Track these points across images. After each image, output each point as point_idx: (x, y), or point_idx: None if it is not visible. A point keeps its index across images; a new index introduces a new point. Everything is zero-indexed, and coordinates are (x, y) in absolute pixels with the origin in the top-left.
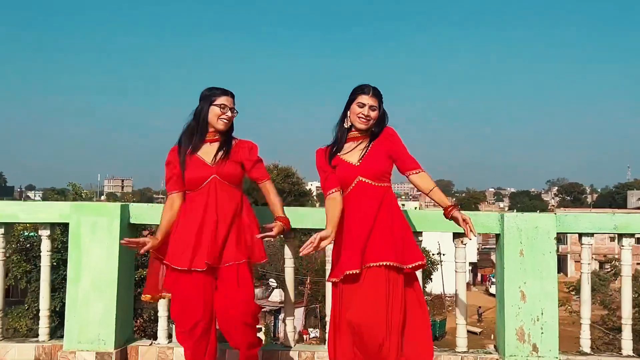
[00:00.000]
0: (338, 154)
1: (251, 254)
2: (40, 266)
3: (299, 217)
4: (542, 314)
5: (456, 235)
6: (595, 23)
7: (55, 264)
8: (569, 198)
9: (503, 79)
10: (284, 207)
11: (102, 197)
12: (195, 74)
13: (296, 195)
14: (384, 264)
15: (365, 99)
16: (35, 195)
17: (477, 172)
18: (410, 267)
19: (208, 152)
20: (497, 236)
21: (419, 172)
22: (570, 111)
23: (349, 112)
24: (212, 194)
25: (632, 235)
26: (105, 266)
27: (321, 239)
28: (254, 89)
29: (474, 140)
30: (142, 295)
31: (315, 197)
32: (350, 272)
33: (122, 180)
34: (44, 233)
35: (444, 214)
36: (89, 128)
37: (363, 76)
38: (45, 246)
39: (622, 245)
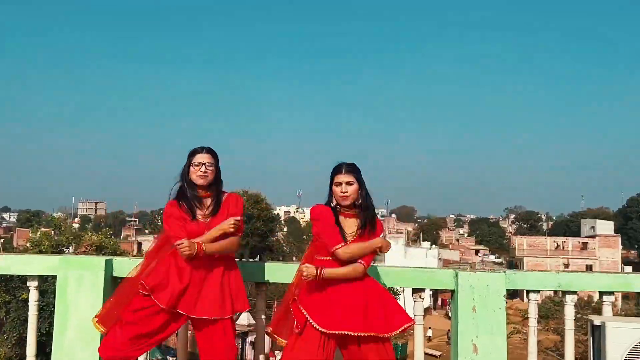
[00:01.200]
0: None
1: (236, 306)
2: (19, 297)
3: (271, 271)
4: None
5: (415, 291)
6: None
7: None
8: (525, 225)
9: (464, 108)
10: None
11: (76, 219)
12: (165, 100)
13: (265, 220)
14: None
15: (340, 177)
16: (10, 217)
17: (438, 199)
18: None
19: (203, 205)
20: (452, 292)
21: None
22: (527, 142)
23: (332, 193)
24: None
25: (574, 292)
26: (90, 317)
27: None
28: (221, 116)
29: (436, 167)
30: (96, 324)
31: (283, 222)
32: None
33: (96, 203)
34: (32, 284)
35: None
36: (61, 151)
37: (326, 102)
38: (33, 296)
39: (566, 301)
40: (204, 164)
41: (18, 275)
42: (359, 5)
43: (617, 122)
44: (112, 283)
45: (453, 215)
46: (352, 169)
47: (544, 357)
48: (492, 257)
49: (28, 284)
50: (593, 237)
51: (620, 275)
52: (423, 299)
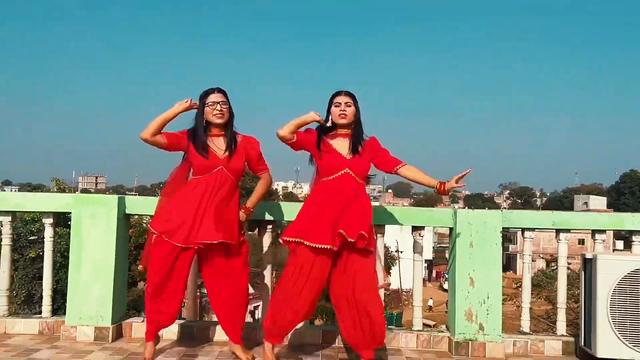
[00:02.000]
0: (327, 139)
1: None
2: (26, 255)
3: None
4: (487, 297)
5: (414, 229)
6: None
7: (41, 253)
8: (519, 201)
9: (460, 86)
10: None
11: (76, 193)
12: (166, 73)
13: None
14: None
15: (339, 98)
16: (11, 190)
17: (433, 175)
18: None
19: (217, 145)
20: (451, 230)
21: (403, 165)
22: (522, 119)
23: (330, 115)
24: (216, 183)
25: (568, 230)
26: (103, 251)
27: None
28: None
29: (431, 144)
30: (140, 266)
31: (281, 197)
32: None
33: (96, 177)
34: (47, 221)
35: (438, 191)
36: (62, 125)
37: (325, 79)
38: (49, 233)
39: (559, 239)
40: (219, 102)
41: (25, 235)
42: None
43: (610, 101)
44: (125, 220)
45: (464, 184)
46: (351, 94)
47: (536, 323)
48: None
49: (43, 220)
50: (586, 212)
51: (614, 214)
52: (422, 236)
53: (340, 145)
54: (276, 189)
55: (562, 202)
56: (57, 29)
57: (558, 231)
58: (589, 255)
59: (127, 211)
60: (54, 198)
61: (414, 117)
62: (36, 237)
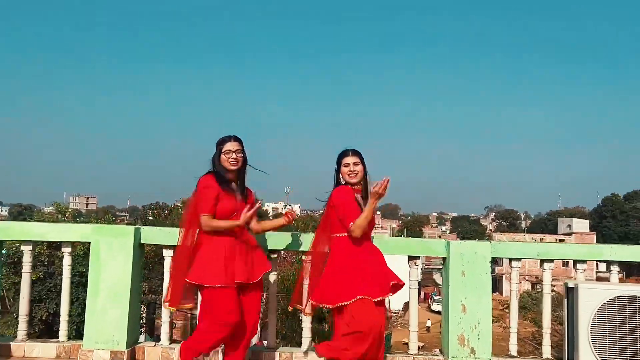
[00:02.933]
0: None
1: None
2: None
3: (282, 240)
4: (478, 323)
5: (410, 258)
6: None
7: (41, 276)
8: (505, 223)
9: (446, 110)
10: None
11: (67, 214)
12: (152, 96)
13: None
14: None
15: (348, 159)
16: (2, 210)
17: (422, 198)
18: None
19: (234, 189)
20: (444, 259)
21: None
22: (506, 142)
23: (340, 176)
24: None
25: (551, 260)
26: (120, 279)
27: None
28: (210, 114)
29: (419, 167)
30: (166, 306)
31: (271, 219)
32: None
33: (87, 198)
34: (66, 250)
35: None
36: (54, 145)
37: (314, 100)
38: (67, 262)
39: (544, 269)
40: (234, 151)
41: None
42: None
43: (593, 125)
44: (140, 249)
45: (435, 213)
46: (357, 153)
47: (522, 344)
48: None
49: (63, 249)
50: (569, 234)
51: (593, 245)
52: (418, 265)
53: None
54: (266, 209)
55: (546, 224)
56: (46, 49)
57: (542, 261)
58: (571, 284)
59: (142, 241)
60: (74, 229)
61: (398, 138)
62: (36, 261)
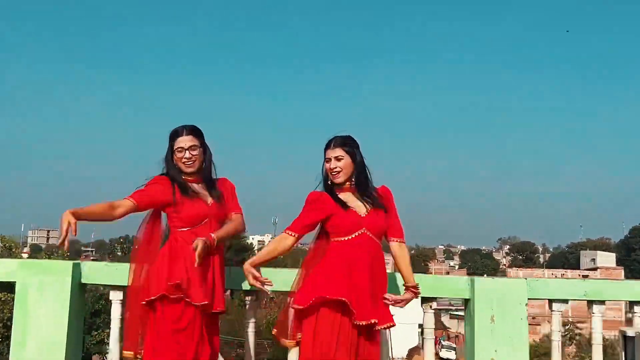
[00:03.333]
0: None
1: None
2: None
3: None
4: None
5: (424, 300)
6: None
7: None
8: (520, 257)
9: (453, 133)
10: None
11: (25, 249)
12: (129, 115)
13: (237, 250)
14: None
15: (328, 153)
16: None
17: (426, 229)
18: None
19: (200, 191)
20: (467, 301)
21: (401, 242)
22: (519, 169)
23: (326, 171)
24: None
25: (602, 302)
26: (53, 329)
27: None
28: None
29: (423, 196)
30: (124, 352)
31: (256, 252)
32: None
33: (48, 231)
34: None
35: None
36: (11, 176)
37: (302, 126)
38: None
39: (593, 312)
40: (187, 148)
41: None
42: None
43: (616, 148)
44: (80, 290)
45: (442, 246)
46: (342, 142)
47: None
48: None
49: None
50: (594, 269)
51: None
52: (433, 310)
53: (351, 200)
54: (251, 243)
55: (567, 258)
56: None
57: (590, 302)
58: (630, 333)
59: (83, 280)
60: None
61: (399, 163)
62: None
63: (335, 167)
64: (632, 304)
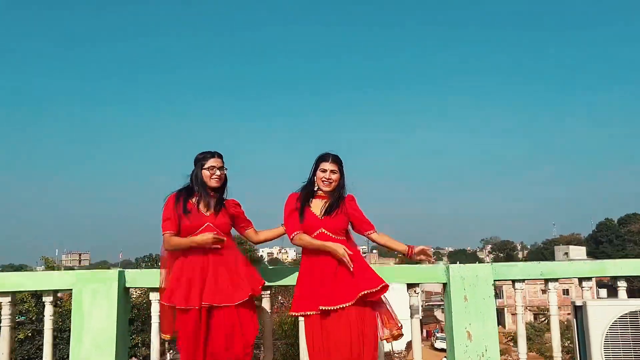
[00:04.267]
0: (308, 205)
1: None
2: (15, 337)
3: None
4: (485, 350)
5: (409, 286)
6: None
7: (30, 334)
8: (502, 255)
9: (437, 141)
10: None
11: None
12: (144, 144)
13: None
14: (348, 304)
15: (326, 165)
16: None
17: (416, 232)
18: (376, 290)
19: (204, 205)
20: (445, 285)
21: (374, 231)
22: (497, 172)
23: (315, 177)
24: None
25: (556, 279)
26: (104, 327)
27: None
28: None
29: (413, 200)
30: (162, 335)
31: (266, 263)
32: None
33: (80, 254)
34: (47, 299)
35: (407, 255)
36: (43, 201)
37: (301, 138)
38: (48, 312)
39: (549, 289)
40: (218, 167)
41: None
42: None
43: (580, 151)
44: (125, 294)
45: (432, 249)
46: (338, 160)
47: None
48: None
49: (44, 299)
50: (570, 261)
51: (597, 262)
52: (418, 293)
53: (316, 205)
54: (261, 255)
55: (543, 253)
56: (36, 99)
57: (547, 281)
58: (579, 303)
59: (127, 285)
60: (55, 276)
61: (392, 177)
62: (25, 318)
63: (330, 178)
64: (580, 280)
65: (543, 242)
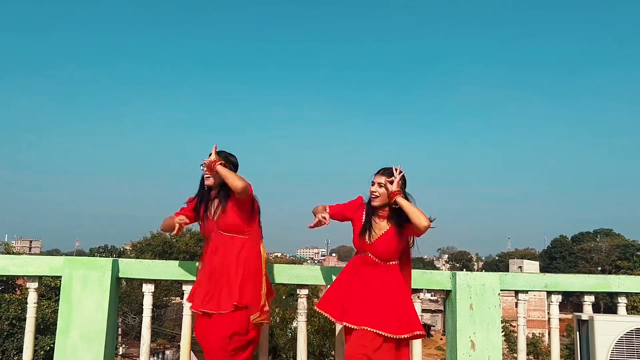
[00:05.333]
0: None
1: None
2: None
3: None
4: None
5: (413, 291)
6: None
7: None
8: (458, 265)
9: (394, 150)
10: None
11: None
12: (114, 131)
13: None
14: (372, 330)
15: (375, 178)
16: None
17: None
18: (406, 336)
19: (212, 206)
20: (448, 292)
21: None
22: (456, 187)
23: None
24: (213, 246)
25: (559, 292)
26: (95, 318)
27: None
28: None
29: None
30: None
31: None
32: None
33: (30, 241)
34: (32, 286)
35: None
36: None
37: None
38: (32, 298)
39: (551, 301)
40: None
41: None
42: None
43: (538, 166)
44: (117, 284)
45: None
46: (387, 173)
47: None
48: (428, 295)
49: (27, 285)
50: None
51: (601, 276)
52: (421, 299)
53: (379, 227)
54: (305, 259)
55: (497, 266)
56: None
57: (549, 293)
58: (584, 317)
59: (121, 275)
60: (43, 261)
61: (345, 178)
62: None
63: (375, 192)
64: (583, 293)
65: (498, 254)
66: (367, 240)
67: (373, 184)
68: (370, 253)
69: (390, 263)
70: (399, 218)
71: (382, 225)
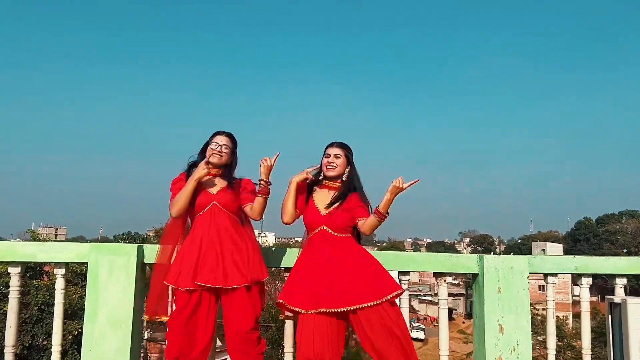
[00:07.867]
0: (312, 195)
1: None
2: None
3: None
4: (517, 344)
5: (437, 275)
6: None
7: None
8: (480, 248)
9: (418, 140)
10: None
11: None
12: (131, 121)
13: None
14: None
15: (330, 150)
16: None
17: (396, 223)
18: (388, 298)
19: (210, 182)
20: (475, 276)
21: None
22: (478, 168)
23: (321, 165)
24: (212, 219)
25: (589, 275)
26: (121, 303)
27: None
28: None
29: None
30: (144, 315)
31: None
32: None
33: (56, 229)
34: (59, 272)
35: (379, 215)
36: (20, 172)
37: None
38: (60, 285)
39: (581, 284)
40: (222, 144)
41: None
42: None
43: (560, 150)
44: (142, 269)
45: (410, 239)
46: (343, 146)
47: None
48: (449, 279)
49: (55, 271)
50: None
51: (634, 258)
52: (447, 283)
53: (322, 197)
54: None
55: (520, 249)
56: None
57: (579, 275)
58: (617, 300)
59: (145, 260)
60: (69, 247)
61: (368, 165)
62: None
63: (333, 162)
64: (614, 276)
65: (520, 237)
66: (321, 212)
67: (328, 155)
68: (326, 226)
69: (346, 235)
70: (343, 192)
71: (325, 195)
